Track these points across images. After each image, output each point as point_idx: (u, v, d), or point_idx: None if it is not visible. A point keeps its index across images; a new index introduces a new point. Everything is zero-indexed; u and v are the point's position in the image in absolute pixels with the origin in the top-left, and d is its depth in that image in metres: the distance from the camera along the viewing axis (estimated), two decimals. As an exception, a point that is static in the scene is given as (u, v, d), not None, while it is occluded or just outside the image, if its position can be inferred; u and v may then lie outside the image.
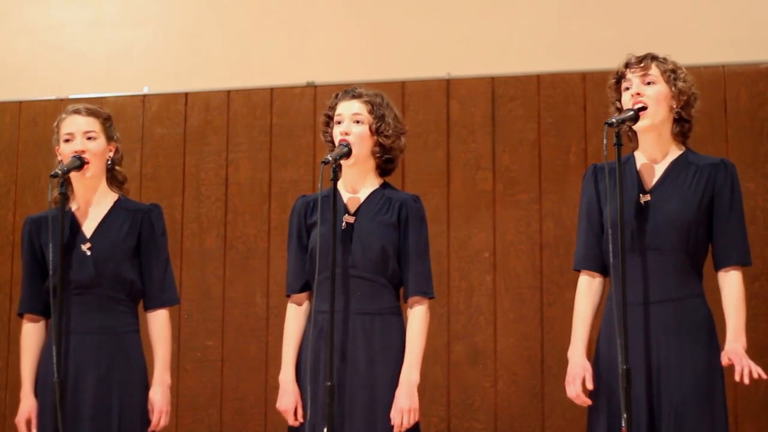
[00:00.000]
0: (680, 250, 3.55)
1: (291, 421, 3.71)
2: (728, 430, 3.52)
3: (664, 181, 3.63)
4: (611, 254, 3.49)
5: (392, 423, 3.59)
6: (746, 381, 3.45)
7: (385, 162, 3.83)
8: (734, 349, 3.48)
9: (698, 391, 3.47)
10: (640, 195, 3.61)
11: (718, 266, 3.62)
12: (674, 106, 3.64)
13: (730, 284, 3.58)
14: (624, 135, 3.65)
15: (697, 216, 3.57)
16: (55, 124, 3.95)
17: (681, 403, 3.46)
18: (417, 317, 3.73)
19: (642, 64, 3.63)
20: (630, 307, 3.47)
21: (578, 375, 3.58)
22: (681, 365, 3.49)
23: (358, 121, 3.76)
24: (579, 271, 3.74)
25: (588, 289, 3.70)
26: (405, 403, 3.61)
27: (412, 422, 3.61)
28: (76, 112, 3.91)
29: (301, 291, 3.80)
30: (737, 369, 3.45)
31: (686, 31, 5.12)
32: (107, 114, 3.98)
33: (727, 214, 3.60)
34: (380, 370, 3.66)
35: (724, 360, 3.48)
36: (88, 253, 3.84)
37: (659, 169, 3.66)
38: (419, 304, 3.75)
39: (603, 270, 3.70)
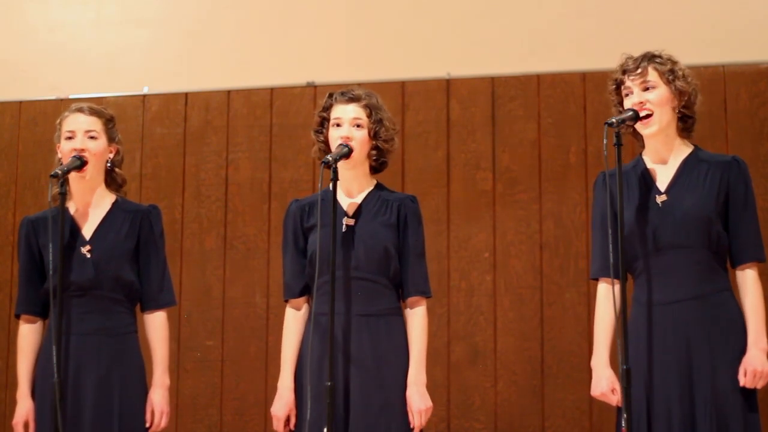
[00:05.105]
0: (702, 246, 3.56)
1: (280, 429, 3.71)
2: (759, 423, 3.54)
3: (678, 179, 3.64)
4: (631, 257, 3.53)
5: (411, 425, 3.63)
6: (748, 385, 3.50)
7: (381, 164, 3.85)
8: (752, 361, 3.48)
9: (733, 386, 3.48)
10: (656, 196, 3.62)
11: (734, 264, 3.63)
12: (677, 106, 3.65)
13: (747, 284, 3.59)
14: (629, 136, 3.68)
15: (715, 211, 3.58)
16: (58, 121, 3.95)
17: (716, 398, 3.47)
18: (418, 317, 3.74)
19: (639, 70, 3.62)
20: (656, 307, 3.53)
21: (607, 390, 3.61)
22: (713, 361, 3.50)
23: (358, 125, 3.75)
24: (596, 279, 3.75)
25: (607, 297, 3.68)
26: (421, 404, 3.64)
27: (426, 421, 3.66)
28: (80, 110, 3.91)
29: (300, 295, 3.79)
30: (746, 381, 3.47)
31: (686, 31, 5.11)
32: (110, 115, 3.97)
33: (742, 212, 3.61)
34: (389, 371, 3.66)
35: (740, 373, 3.48)
36: (88, 255, 3.83)
37: (670, 169, 3.66)
38: (419, 304, 3.75)
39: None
